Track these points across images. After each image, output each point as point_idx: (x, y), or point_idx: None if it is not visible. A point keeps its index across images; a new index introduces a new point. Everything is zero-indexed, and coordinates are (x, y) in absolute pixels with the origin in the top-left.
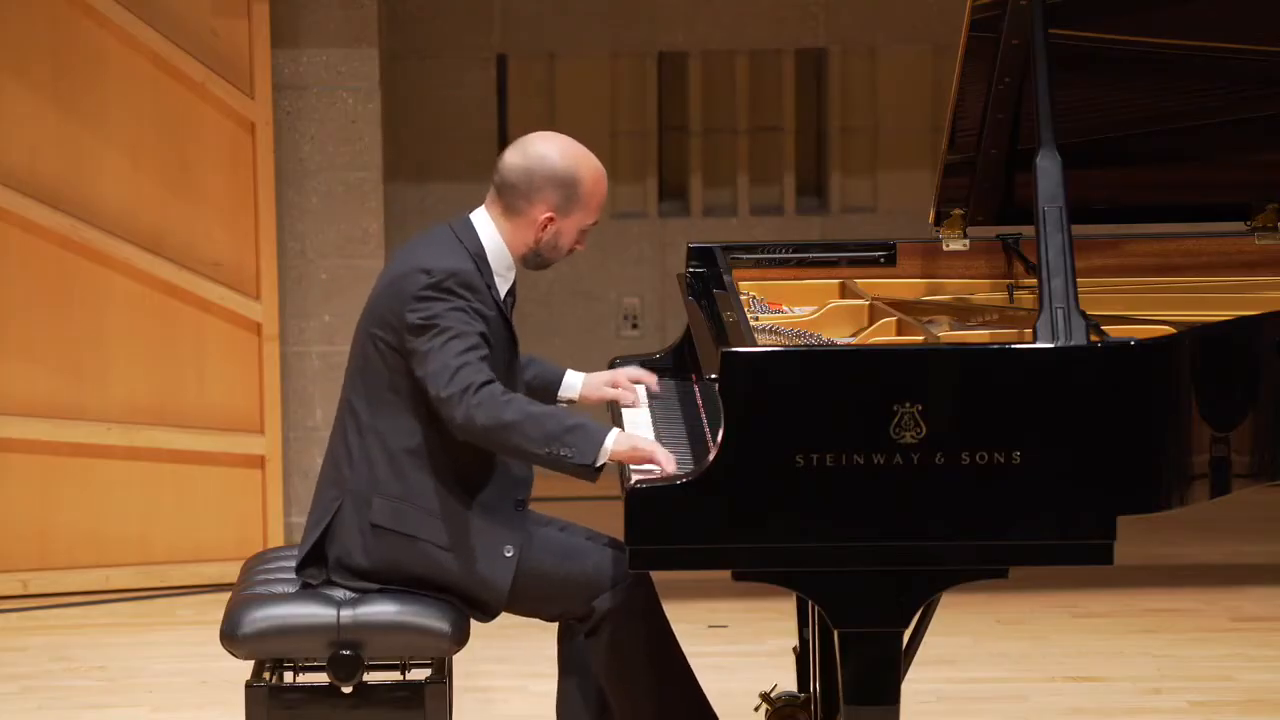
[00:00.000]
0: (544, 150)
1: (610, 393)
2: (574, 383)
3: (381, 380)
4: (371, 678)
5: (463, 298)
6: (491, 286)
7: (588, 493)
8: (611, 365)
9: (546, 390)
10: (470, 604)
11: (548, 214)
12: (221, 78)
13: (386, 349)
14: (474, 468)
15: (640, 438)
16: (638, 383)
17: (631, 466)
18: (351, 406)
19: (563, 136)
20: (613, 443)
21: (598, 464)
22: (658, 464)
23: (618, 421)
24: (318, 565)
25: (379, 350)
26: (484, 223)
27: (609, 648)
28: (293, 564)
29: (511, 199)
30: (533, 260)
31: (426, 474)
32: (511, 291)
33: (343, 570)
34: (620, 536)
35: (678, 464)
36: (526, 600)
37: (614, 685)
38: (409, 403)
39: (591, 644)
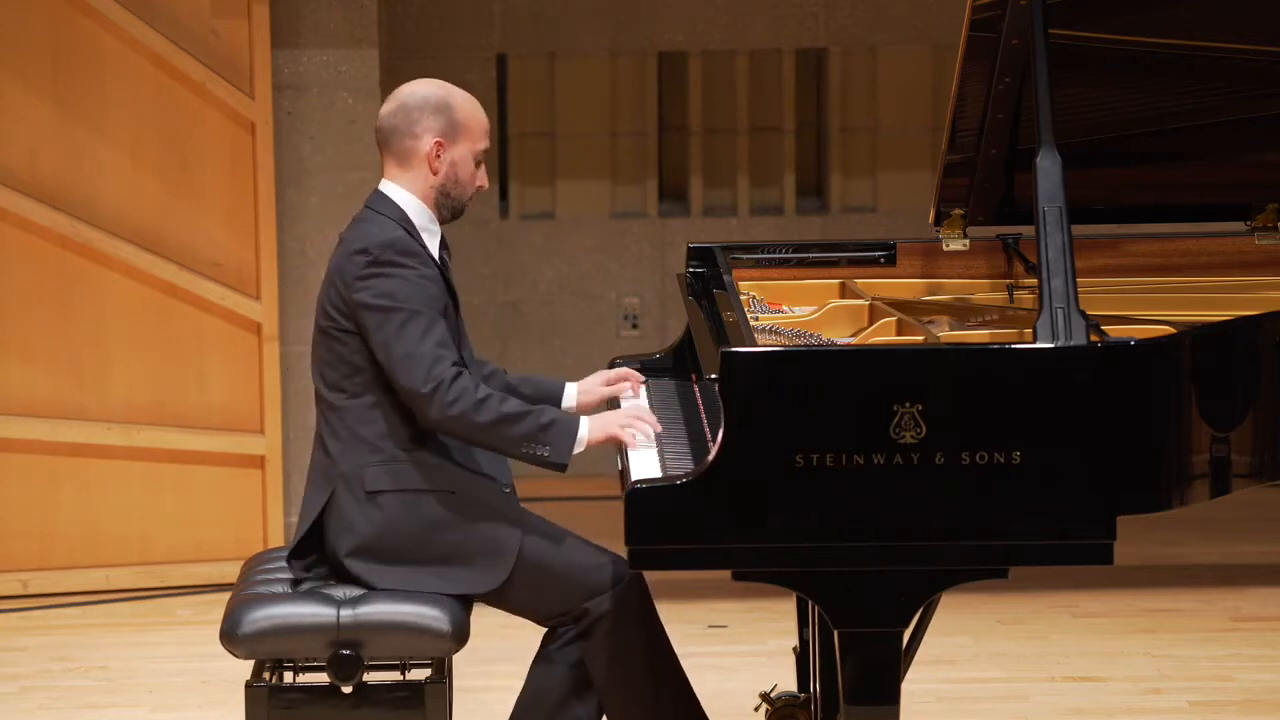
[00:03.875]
0: (412, 88)
1: (607, 391)
2: (571, 393)
3: (345, 363)
4: (371, 678)
5: (406, 266)
6: (425, 247)
7: (588, 493)
8: (611, 366)
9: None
10: (480, 558)
11: (435, 140)
12: (221, 78)
13: (341, 333)
14: None
15: (612, 418)
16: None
17: (631, 465)
18: (325, 400)
19: (427, 79)
20: (586, 432)
21: (572, 454)
22: (630, 442)
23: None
24: (309, 555)
25: (335, 337)
26: (392, 188)
27: (608, 649)
28: None
29: (399, 143)
30: (445, 204)
31: (412, 435)
32: (445, 246)
33: (345, 550)
34: (620, 537)
35: (656, 437)
36: (525, 591)
37: (610, 687)
38: (377, 375)
39: (584, 646)
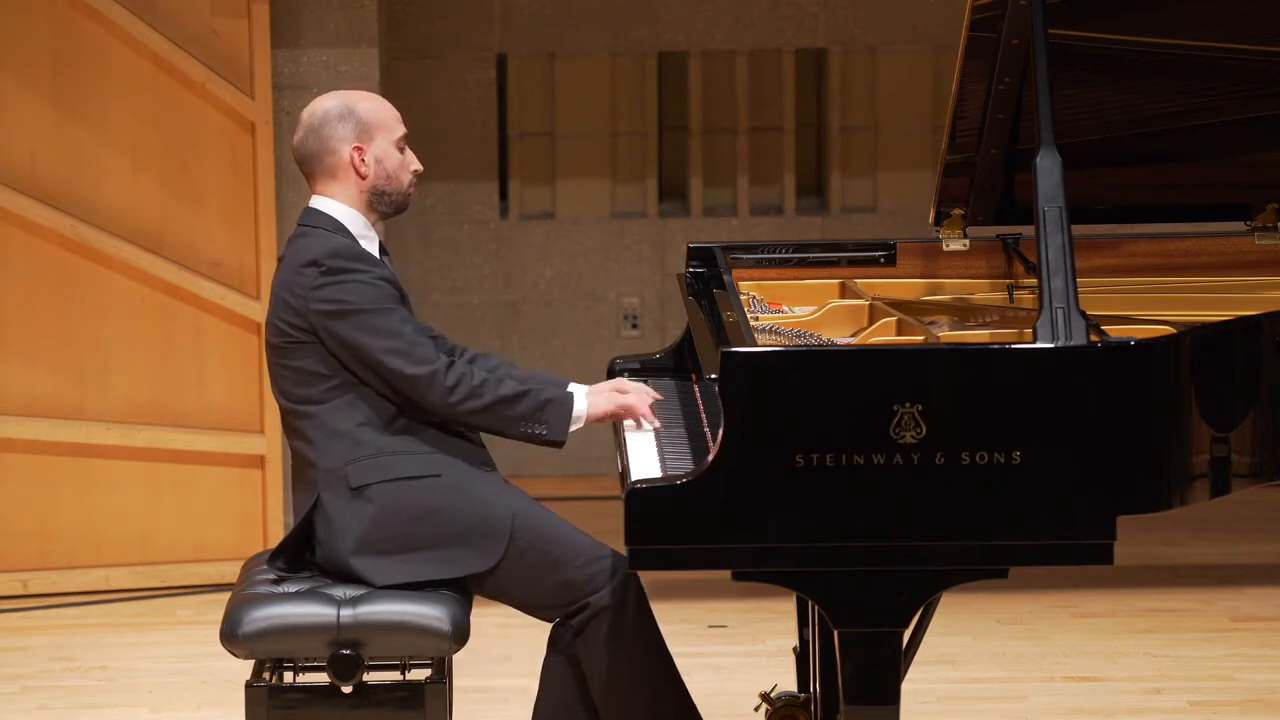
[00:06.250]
0: (312, 109)
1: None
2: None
3: (308, 373)
4: (371, 678)
5: (358, 270)
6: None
7: (588, 493)
8: (611, 365)
9: None
10: (474, 535)
11: (353, 146)
12: (221, 78)
13: (296, 345)
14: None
15: (613, 392)
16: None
17: (630, 465)
18: (293, 412)
19: (325, 94)
20: (586, 408)
21: (569, 431)
22: (634, 418)
23: (618, 439)
24: (292, 558)
25: (291, 351)
26: (323, 202)
27: (606, 650)
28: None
29: (320, 163)
30: (382, 202)
31: (389, 427)
32: (385, 252)
33: (350, 551)
34: (620, 537)
35: (658, 425)
36: (524, 574)
37: (607, 688)
38: (343, 378)
39: (581, 645)
